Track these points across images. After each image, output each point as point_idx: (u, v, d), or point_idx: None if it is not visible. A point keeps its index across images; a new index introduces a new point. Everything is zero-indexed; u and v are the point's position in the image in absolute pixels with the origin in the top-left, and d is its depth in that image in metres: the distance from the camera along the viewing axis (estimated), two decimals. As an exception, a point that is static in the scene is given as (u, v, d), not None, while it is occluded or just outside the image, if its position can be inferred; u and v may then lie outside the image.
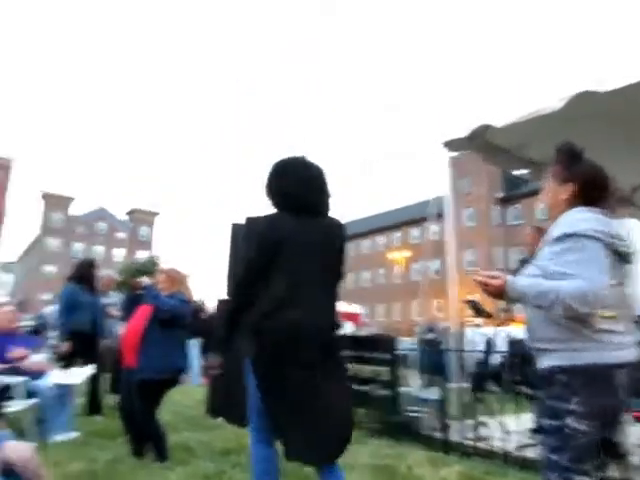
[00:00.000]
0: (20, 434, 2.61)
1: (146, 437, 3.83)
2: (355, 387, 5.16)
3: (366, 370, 5.10)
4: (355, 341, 5.81)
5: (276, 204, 2.52)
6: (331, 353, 2.36)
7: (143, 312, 3.93)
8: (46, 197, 51.24)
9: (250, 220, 6.33)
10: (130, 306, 4.59)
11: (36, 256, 50.05)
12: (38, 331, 8.63)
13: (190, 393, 7.43)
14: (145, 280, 4.09)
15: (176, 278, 4.00)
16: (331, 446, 2.30)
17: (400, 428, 4.85)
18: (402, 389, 5.05)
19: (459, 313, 5.25)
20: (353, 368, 5.22)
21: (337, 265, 2.54)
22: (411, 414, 4.93)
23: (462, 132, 4.55)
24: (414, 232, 42.79)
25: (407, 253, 37.51)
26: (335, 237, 2.53)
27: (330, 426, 2.27)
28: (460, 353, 4.87)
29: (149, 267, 37.10)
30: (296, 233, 2.35)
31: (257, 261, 2.36)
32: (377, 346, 5.19)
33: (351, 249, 49.49)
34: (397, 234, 45.14)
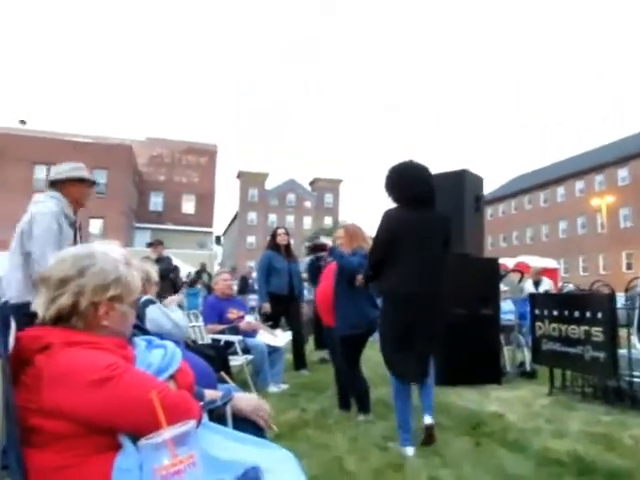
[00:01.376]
0: (241, 386, 2.97)
1: (351, 391, 4.04)
2: (564, 349, 4.74)
3: (576, 330, 4.61)
4: (563, 299, 5.30)
5: (396, 200, 3.34)
6: (429, 309, 3.24)
7: (330, 272, 4.05)
8: (242, 175, 57.18)
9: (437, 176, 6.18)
10: (313, 268, 4.76)
11: (237, 229, 56.57)
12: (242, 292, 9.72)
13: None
14: (326, 240, 4.19)
15: (355, 233, 3.98)
16: (418, 369, 3.32)
17: (617, 393, 4.34)
18: (620, 351, 4.46)
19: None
20: (560, 328, 4.79)
21: (440, 246, 3.35)
22: (630, 378, 4.35)
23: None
24: (621, 173, 37.17)
25: (611, 198, 32.73)
26: (440, 226, 3.38)
27: (418, 356, 3.28)
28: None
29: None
30: (410, 222, 3.23)
31: (381, 243, 3.30)
32: (589, 304, 4.64)
33: (543, 199, 45.20)
34: (599, 177, 39.56)
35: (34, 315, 1.29)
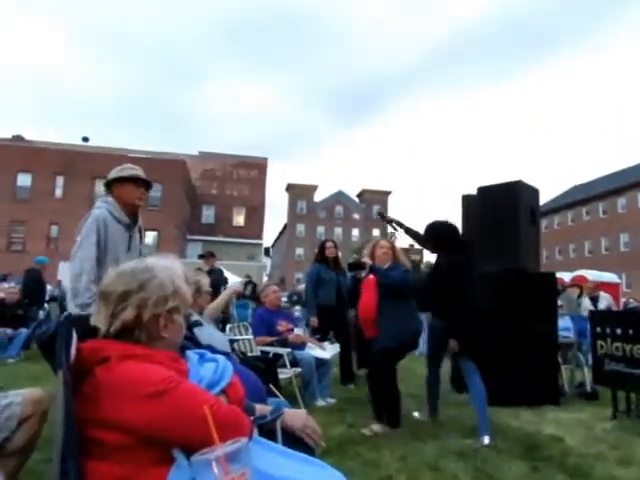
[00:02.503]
0: (289, 399, 2.97)
1: (383, 403, 3.99)
2: (628, 369, 4.47)
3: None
4: (628, 317, 5.03)
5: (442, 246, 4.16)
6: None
7: (370, 285, 4.21)
8: (291, 188, 57.90)
9: (482, 190, 6.03)
10: (353, 288, 4.97)
11: (286, 241, 57.16)
12: (297, 305, 9.77)
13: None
14: (366, 260, 4.22)
15: (397, 248, 4.27)
16: None
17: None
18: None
19: None
20: (624, 347, 4.53)
21: None
22: None
23: None
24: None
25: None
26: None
27: None
28: None
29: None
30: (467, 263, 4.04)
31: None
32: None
33: (602, 210, 43.13)
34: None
35: (95, 327, 1.33)
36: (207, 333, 2.57)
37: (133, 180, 3.08)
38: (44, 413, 2.06)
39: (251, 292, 13.00)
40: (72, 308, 2.77)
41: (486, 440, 3.59)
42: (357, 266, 4.29)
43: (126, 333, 1.30)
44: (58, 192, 29.49)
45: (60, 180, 29.53)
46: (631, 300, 16.42)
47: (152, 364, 1.22)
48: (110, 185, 3.07)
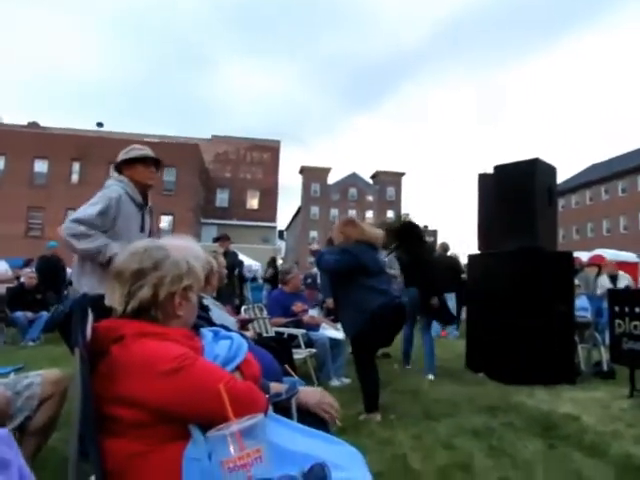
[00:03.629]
0: (304, 379, 2.99)
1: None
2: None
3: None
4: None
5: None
6: None
7: None
8: (305, 170, 57.70)
9: (499, 168, 5.94)
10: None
11: (300, 224, 57.18)
12: (312, 287, 9.80)
13: (450, 346, 7.50)
14: (316, 246, 4.17)
15: (345, 227, 4.03)
16: None
17: None
18: None
19: None
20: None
21: None
22: None
23: None
24: None
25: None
26: None
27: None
28: None
29: (397, 225, 38.69)
30: None
31: None
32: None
33: (621, 188, 42.31)
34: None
35: (110, 307, 1.34)
36: (217, 314, 2.58)
37: (142, 160, 3.06)
38: (64, 393, 2.11)
39: (271, 275, 12.98)
40: (78, 284, 2.78)
41: (431, 376, 5.18)
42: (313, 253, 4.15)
43: (142, 312, 1.30)
44: (74, 177, 29.76)
45: (76, 166, 29.77)
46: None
47: (167, 341, 1.23)
48: (120, 167, 3.06)
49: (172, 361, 1.16)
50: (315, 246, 4.17)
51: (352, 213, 55.42)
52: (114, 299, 1.32)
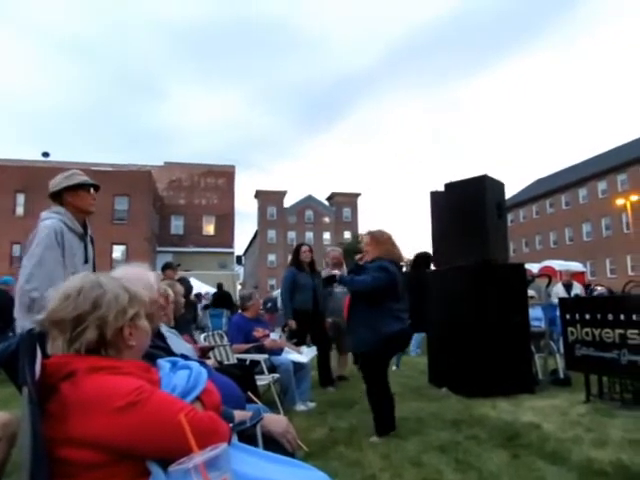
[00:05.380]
0: (268, 405, 2.92)
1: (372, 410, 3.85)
2: (598, 353, 4.58)
3: (610, 334, 4.46)
4: (595, 302, 5.16)
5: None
6: None
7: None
8: (260, 194, 57.65)
9: (449, 186, 6.13)
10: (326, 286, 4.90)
11: (258, 248, 56.86)
12: (272, 311, 9.72)
13: (412, 363, 7.55)
14: (335, 272, 4.11)
15: (380, 239, 3.94)
16: None
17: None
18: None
19: None
20: (593, 332, 4.64)
21: None
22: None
23: None
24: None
25: (635, 197, 31.93)
26: None
27: None
28: None
29: (355, 246, 39.05)
30: None
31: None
32: (624, 306, 4.48)
33: (564, 201, 44.41)
34: (621, 176, 38.69)
35: None
36: (175, 343, 2.51)
37: (84, 186, 2.94)
38: (12, 437, 1.98)
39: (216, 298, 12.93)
40: (25, 324, 2.52)
41: None
42: (330, 280, 4.12)
43: (92, 352, 1.23)
44: (19, 210, 28.59)
45: (21, 198, 28.63)
46: (597, 287, 16.92)
47: (121, 375, 1.18)
48: (60, 195, 2.91)
49: (127, 395, 1.10)
50: (335, 271, 4.12)
51: (309, 235, 55.67)
52: (56, 347, 1.23)
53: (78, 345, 1.21)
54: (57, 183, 2.92)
